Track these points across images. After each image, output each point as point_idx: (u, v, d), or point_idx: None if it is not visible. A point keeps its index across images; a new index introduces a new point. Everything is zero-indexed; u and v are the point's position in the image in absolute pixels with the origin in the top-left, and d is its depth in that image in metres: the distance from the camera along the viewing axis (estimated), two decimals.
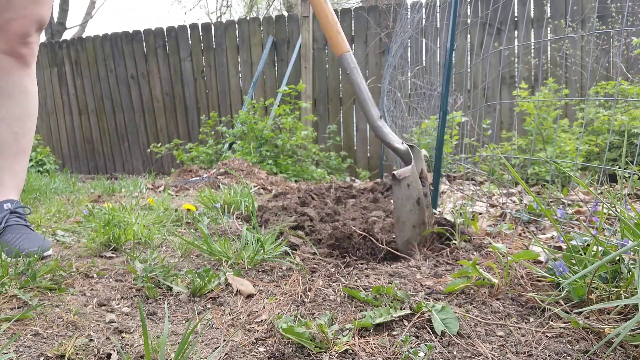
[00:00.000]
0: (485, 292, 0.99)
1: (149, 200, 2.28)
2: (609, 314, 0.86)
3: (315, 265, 1.24)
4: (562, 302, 0.91)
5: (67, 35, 10.98)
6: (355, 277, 1.13)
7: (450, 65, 1.68)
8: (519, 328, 0.84)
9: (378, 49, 5.41)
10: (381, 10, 5.35)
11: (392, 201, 2.32)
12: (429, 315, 0.86)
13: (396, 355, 0.75)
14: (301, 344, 0.78)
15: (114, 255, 1.41)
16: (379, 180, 3.84)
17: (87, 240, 1.47)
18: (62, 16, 10.77)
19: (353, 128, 5.62)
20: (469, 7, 5.01)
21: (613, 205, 1.02)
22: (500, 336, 0.81)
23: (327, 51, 5.59)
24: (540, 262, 1.18)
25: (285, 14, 6.50)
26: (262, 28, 5.82)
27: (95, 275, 1.18)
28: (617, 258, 0.90)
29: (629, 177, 1.96)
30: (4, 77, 1.40)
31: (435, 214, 1.70)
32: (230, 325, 0.89)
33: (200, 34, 6.04)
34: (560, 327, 0.82)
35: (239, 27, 5.91)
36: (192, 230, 1.78)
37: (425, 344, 0.76)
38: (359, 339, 0.80)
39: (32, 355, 0.76)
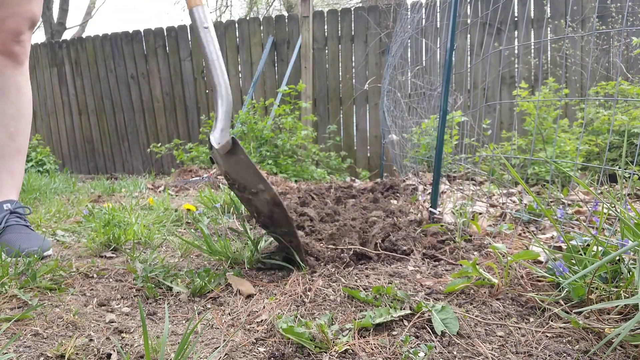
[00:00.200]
0: (485, 292, 0.99)
1: (149, 200, 2.28)
2: (609, 314, 0.86)
3: (315, 266, 1.24)
4: (562, 302, 0.91)
5: (67, 35, 10.99)
6: (355, 277, 1.13)
7: (450, 65, 1.68)
8: (519, 328, 0.84)
9: (378, 49, 5.41)
10: (381, 10, 5.34)
11: (392, 201, 2.32)
12: (429, 315, 0.86)
13: (396, 355, 0.75)
14: (301, 344, 0.78)
15: (114, 255, 1.41)
16: (379, 180, 3.84)
17: (87, 240, 1.47)
18: (62, 16, 10.77)
19: (353, 128, 5.62)
20: (469, 7, 5.01)
21: (613, 205, 1.02)
22: (500, 336, 0.81)
23: (327, 51, 5.59)
24: (540, 262, 1.18)
25: (285, 14, 6.50)
26: (262, 28, 5.82)
27: (95, 275, 1.18)
28: (617, 258, 0.90)
29: (629, 177, 1.96)
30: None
31: (435, 214, 1.70)
32: (230, 325, 0.89)
33: None
34: (560, 327, 0.82)
35: (239, 27, 5.91)
36: (192, 230, 1.78)
37: (425, 344, 0.76)
38: (359, 339, 0.80)
39: (32, 355, 0.76)
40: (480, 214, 1.84)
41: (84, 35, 7.62)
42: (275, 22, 5.81)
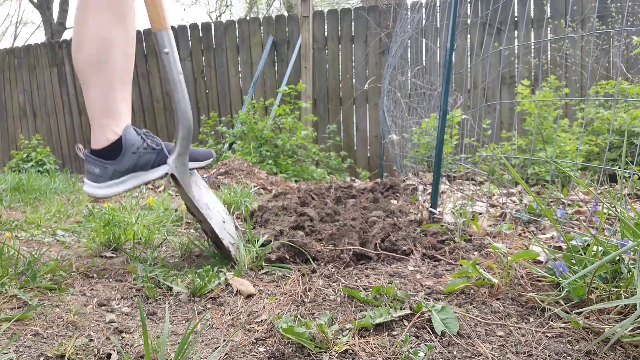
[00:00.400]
0: (485, 292, 0.99)
1: (149, 200, 2.28)
2: (609, 314, 0.86)
3: (315, 266, 1.24)
4: (562, 302, 0.91)
5: (67, 35, 10.99)
6: (355, 277, 1.13)
7: (450, 65, 1.68)
8: (519, 328, 0.83)
9: (378, 49, 5.41)
10: (381, 10, 5.34)
11: (392, 201, 2.32)
12: (429, 315, 0.86)
13: (396, 355, 0.75)
14: (301, 344, 0.78)
15: (114, 255, 1.41)
16: (379, 180, 3.84)
17: (87, 240, 1.47)
18: (62, 16, 10.77)
19: (353, 128, 5.62)
20: (469, 7, 5.01)
21: (613, 205, 1.02)
22: (500, 336, 0.81)
23: (327, 51, 5.59)
24: (540, 262, 1.18)
25: (285, 14, 6.50)
26: (262, 28, 5.82)
27: (95, 275, 1.18)
28: (617, 258, 0.90)
29: (629, 177, 1.96)
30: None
31: (435, 214, 1.70)
32: (230, 325, 0.89)
33: (200, 33, 6.04)
34: (560, 327, 0.82)
35: (239, 27, 5.91)
36: (192, 230, 1.78)
37: (425, 344, 0.76)
38: (359, 339, 0.80)
39: (32, 355, 0.76)
40: (480, 214, 1.84)
41: None
42: (275, 22, 5.80)
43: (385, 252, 1.32)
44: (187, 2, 28.23)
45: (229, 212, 2.02)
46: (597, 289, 0.89)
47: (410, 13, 3.35)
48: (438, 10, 4.72)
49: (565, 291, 0.92)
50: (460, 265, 1.17)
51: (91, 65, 1.22)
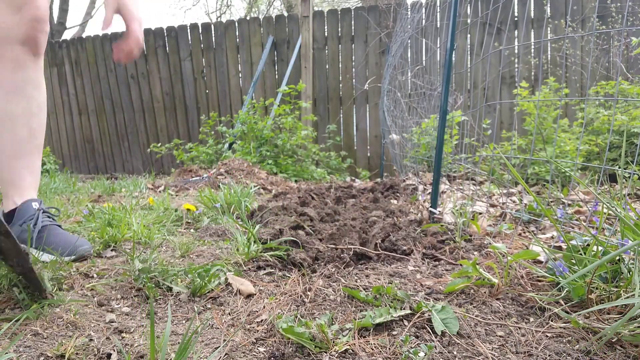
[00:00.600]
0: (485, 292, 0.99)
1: (149, 200, 2.28)
2: (609, 313, 0.86)
3: (315, 266, 1.24)
4: (562, 302, 0.91)
5: (67, 35, 10.99)
6: (355, 277, 1.13)
7: (450, 65, 1.68)
8: (519, 328, 0.84)
9: (378, 49, 5.41)
10: (381, 10, 5.34)
11: (392, 201, 2.32)
12: (429, 315, 0.86)
13: (396, 355, 0.75)
14: (301, 344, 0.78)
15: (114, 254, 1.41)
16: (379, 180, 3.84)
17: (88, 240, 1.46)
18: (62, 16, 10.76)
19: (353, 128, 5.62)
20: (469, 7, 5.01)
21: (613, 205, 1.02)
22: (500, 336, 0.81)
23: (327, 51, 5.59)
24: (540, 262, 1.18)
25: (285, 13, 6.49)
26: (262, 28, 5.82)
27: (95, 275, 1.18)
28: (617, 258, 0.90)
29: (629, 177, 1.96)
30: (20, 71, 1.32)
31: (435, 213, 1.70)
32: (230, 325, 0.89)
33: (200, 33, 6.04)
34: (560, 327, 0.82)
35: (239, 27, 5.90)
36: (192, 230, 1.78)
37: (425, 344, 0.76)
38: (359, 338, 0.80)
39: (32, 355, 0.76)
40: (480, 213, 1.84)
41: (84, 35, 7.62)
42: (275, 22, 5.80)
43: (385, 252, 1.32)
44: (188, 5, 28.24)
45: (229, 212, 2.02)
46: (597, 288, 0.89)
47: (410, 13, 3.35)
48: (438, 10, 4.72)
49: (565, 291, 0.92)
50: (460, 265, 1.17)
51: None
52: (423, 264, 1.24)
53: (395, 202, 2.31)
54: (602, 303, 0.86)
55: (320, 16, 5.59)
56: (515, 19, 4.98)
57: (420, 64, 3.85)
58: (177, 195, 2.85)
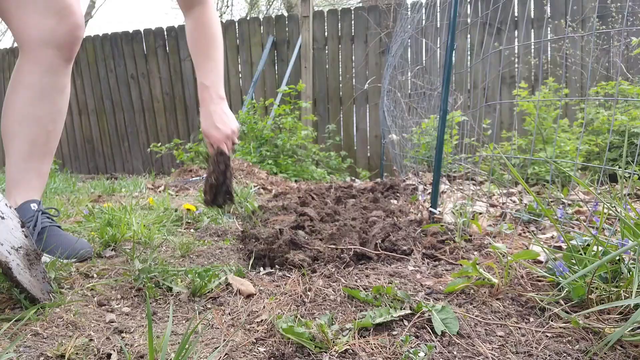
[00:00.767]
0: (485, 292, 0.99)
1: (149, 200, 2.28)
2: (609, 313, 0.86)
3: (315, 266, 1.24)
4: (562, 302, 0.91)
5: None
6: (355, 277, 1.13)
7: (450, 65, 1.68)
8: (519, 328, 0.83)
9: (378, 49, 5.41)
10: (381, 10, 5.34)
11: (392, 201, 2.32)
12: (429, 315, 0.86)
13: (396, 355, 0.75)
14: (301, 344, 0.78)
15: (114, 254, 1.41)
16: (379, 180, 3.84)
17: (87, 240, 1.46)
18: None
19: (353, 128, 5.62)
20: (469, 7, 5.01)
21: (613, 205, 1.02)
22: (500, 336, 0.81)
23: (327, 51, 5.59)
24: (540, 262, 1.18)
25: (285, 13, 6.49)
26: (262, 28, 5.82)
27: (95, 275, 1.18)
28: (617, 258, 0.90)
29: (629, 177, 1.96)
30: (49, 75, 1.32)
31: (435, 213, 1.70)
32: (230, 325, 0.89)
33: None
34: (560, 327, 0.82)
35: (239, 27, 5.90)
36: (192, 230, 1.78)
37: (425, 344, 0.76)
38: (359, 338, 0.80)
39: (32, 355, 0.76)
40: (480, 213, 1.84)
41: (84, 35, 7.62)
42: (275, 22, 5.80)
43: (385, 252, 1.32)
44: None
45: (229, 212, 2.02)
46: (597, 288, 0.89)
47: (410, 13, 3.35)
48: (438, 10, 4.72)
49: (565, 291, 0.92)
50: (460, 265, 1.17)
51: (4, 135, 1.30)
52: (423, 264, 1.24)
53: (395, 202, 2.31)
54: (602, 303, 0.86)
55: (320, 16, 5.59)
56: (515, 19, 4.99)
57: (420, 64, 3.85)
58: (177, 195, 2.85)
